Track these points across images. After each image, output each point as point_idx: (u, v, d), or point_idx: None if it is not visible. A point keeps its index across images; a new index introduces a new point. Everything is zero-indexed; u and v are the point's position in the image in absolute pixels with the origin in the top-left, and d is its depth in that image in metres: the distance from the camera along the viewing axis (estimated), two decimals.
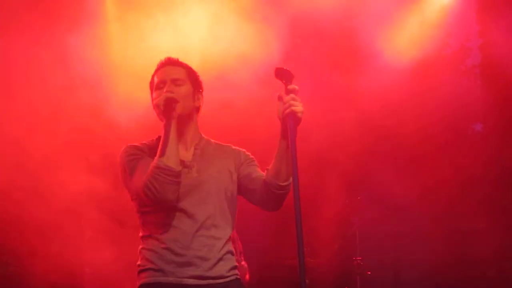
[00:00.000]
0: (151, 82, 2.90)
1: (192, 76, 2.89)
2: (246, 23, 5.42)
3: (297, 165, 2.58)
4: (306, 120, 2.63)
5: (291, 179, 2.70)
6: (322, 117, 5.65)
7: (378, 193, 6.04)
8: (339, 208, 5.70)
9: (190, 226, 2.71)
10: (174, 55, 2.93)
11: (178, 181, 2.67)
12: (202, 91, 2.91)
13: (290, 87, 2.60)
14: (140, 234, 2.81)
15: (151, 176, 2.63)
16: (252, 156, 2.95)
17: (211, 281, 2.69)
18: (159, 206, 2.70)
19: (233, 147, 2.97)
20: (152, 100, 2.84)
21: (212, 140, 2.92)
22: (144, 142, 2.89)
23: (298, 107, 2.58)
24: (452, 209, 6.30)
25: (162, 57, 2.92)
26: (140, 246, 2.80)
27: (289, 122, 2.58)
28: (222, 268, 2.75)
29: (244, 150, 2.98)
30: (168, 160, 2.65)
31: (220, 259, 2.74)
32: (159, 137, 2.81)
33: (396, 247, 6.09)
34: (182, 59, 2.93)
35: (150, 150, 2.81)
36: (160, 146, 2.69)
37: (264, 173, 2.79)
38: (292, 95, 2.59)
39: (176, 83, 2.83)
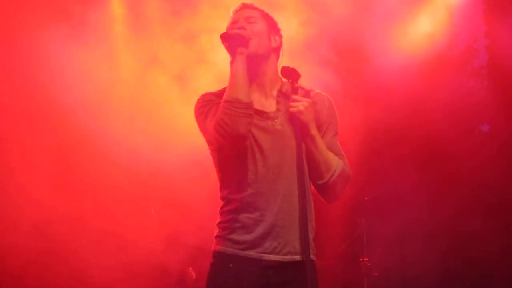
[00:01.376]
0: (228, 23, 2.83)
1: (267, 17, 2.83)
2: None
3: (304, 164, 2.59)
4: None
5: (329, 174, 2.68)
6: None
7: (385, 194, 6.01)
8: (345, 209, 5.68)
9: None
10: None
11: (249, 113, 2.58)
12: (280, 32, 2.84)
13: (297, 85, 2.65)
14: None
15: (221, 112, 2.56)
16: (336, 113, 2.84)
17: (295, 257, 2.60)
18: (235, 144, 2.61)
19: (320, 94, 2.83)
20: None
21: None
22: (218, 90, 2.81)
23: (293, 107, 2.63)
24: (459, 210, 6.28)
25: None
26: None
27: (295, 121, 2.63)
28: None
29: (329, 99, 2.86)
30: (236, 93, 2.57)
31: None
32: None
33: (403, 248, 6.06)
34: None
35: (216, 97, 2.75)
36: (228, 82, 2.62)
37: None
38: (294, 96, 2.64)
39: (249, 21, 2.77)
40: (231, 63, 2.63)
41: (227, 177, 2.71)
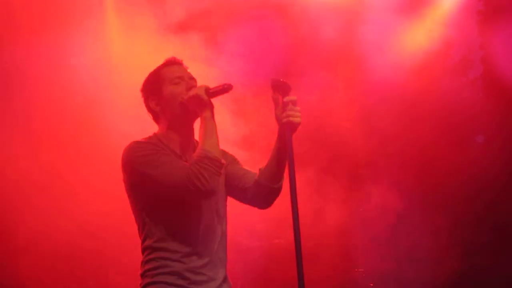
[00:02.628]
0: (155, 78, 2.82)
1: (195, 81, 2.86)
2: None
3: (295, 170, 2.60)
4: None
5: (282, 181, 2.78)
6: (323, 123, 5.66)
7: (380, 203, 6.02)
8: (340, 219, 5.69)
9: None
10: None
11: (221, 172, 2.63)
12: None
13: (287, 98, 2.62)
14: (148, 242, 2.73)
15: (200, 166, 2.54)
16: (232, 154, 2.97)
17: None
18: (202, 199, 2.65)
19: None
20: (172, 95, 2.74)
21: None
22: (143, 140, 2.77)
23: (296, 117, 2.62)
24: (454, 221, 6.28)
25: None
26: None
27: (287, 130, 2.61)
28: None
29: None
30: (216, 151, 2.60)
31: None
32: (156, 134, 2.79)
33: (399, 258, 6.06)
34: None
35: (161, 146, 2.72)
36: (203, 137, 2.63)
37: (250, 171, 2.85)
38: (290, 105, 2.62)
39: (192, 83, 2.80)
40: (206, 117, 2.65)
41: (158, 227, 2.69)
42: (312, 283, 2.66)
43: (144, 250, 2.73)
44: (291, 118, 2.60)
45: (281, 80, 2.63)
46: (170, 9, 5.47)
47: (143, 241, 2.73)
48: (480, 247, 6.11)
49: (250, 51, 5.68)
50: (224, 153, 2.91)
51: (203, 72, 3.04)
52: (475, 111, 6.59)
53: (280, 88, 2.63)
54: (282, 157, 2.73)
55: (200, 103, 2.67)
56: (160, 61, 2.90)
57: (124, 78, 5.14)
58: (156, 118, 2.86)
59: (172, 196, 2.63)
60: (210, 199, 2.70)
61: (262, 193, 2.82)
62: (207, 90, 2.67)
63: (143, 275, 2.71)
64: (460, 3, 6.40)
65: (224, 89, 2.66)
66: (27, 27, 5.21)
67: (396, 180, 6.31)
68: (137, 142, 2.73)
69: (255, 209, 2.94)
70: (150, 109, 2.84)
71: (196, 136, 2.80)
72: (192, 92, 2.69)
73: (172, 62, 2.85)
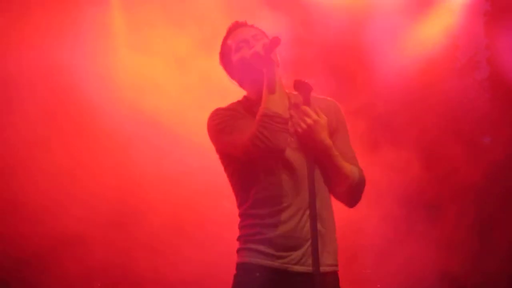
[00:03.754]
0: (225, 49, 2.83)
1: (265, 34, 2.84)
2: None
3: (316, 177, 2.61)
4: None
5: (347, 182, 2.72)
6: None
7: (387, 206, 6.00)
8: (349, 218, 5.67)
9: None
10: None
11: (288, 128, 2.57)
12: None
13: (302, 107, 2.65)
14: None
15: (259, 126, 2.50)
16: (344, 116, 2.89)
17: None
18: (270, 159, 2.60)
19: (325, 100, 2.88)
20: (239, 60, 2.74)
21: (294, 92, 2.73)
22: (226, 106, 2.80)
23: (300, 126, 2.65)
24: (460, 226, 6.27)
25: None
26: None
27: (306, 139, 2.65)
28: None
29: (335, 104, 2.90)
30: (276, 107, 2.54)
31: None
32: (245, 97, 2.78)
33: (405, 259, 6.05)
34: None
35: (241, 110, 2.75)
36: (264, 94, 2.57)
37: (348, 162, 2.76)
38: (301, 114, 2.65)
39: (257, 38, 2.76)
40: (268, 73, 2.61)
41: (249, 193, 2.68)
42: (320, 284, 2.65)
43: (239, 216, 2.74)
44: (296, 127, 2.65)
45: (303, 80, 2.65)
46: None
47: (239, 207, 2.75)
48: (484, 251, 6.10)
49: None
50: (332, 114, 2.81)
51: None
52: (482, 112, 6.59)
53: (302, 88, 2.66)
54: (327, 165, 2.70)
55: (260, 60, 2.63)
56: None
57: None
58: (240, 86, 2.88)
59: (246, 160, 2.62)
60: (297, 171, 2.64)
61: (336, 194, 2.79)
62: (264, 46, 2.62)
63: (238, 239, 2.73)
64: (467, 3, 6.40)
65: (273, 43, 2.61)
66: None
67: (402, 180, 6.30)
68: (216, 110, 2.77)
69: None
70: (232, 80, 2.88)
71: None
72: (252, 51, 2.67)
73: (233, 28, 2.85)
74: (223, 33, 2.91)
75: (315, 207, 2.60)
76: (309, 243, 2.59)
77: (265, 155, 2.56)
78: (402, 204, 6.04)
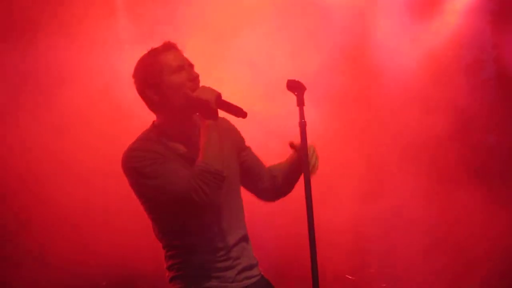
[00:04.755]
0: (156, 65, 2.66)
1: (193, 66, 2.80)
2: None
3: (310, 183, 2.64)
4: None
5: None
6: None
7: (391, 204, 6.00)
8: (352, 219, 5.69)
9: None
10: None
11: (222, 186, 2.58)
12: None
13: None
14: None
15: (200, 180, 2.49)
16: (242, 137, 2.99)
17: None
18: (203, 212, 2.63)
19: (225, 120, 2.90)
20: (177, 87, 2.63)
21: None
22: (141, 139, 2.72)
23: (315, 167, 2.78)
24: (467, 226, 6.26)
25: None
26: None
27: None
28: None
29: (228, 121, 2.93)
30: (218, 164, 2.54)
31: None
32: (155, 125, 2.72)
33: (410, 260, 6.05)
34: None
35: (158, 147, 2.65)
36: (205, 148, 2.56)
37: (263, 166, 2.94)
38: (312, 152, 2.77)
39: (193, 71, 2.72)
40: (209, 126, 2.59)
41: (174, 225, 2.70)
42: (324, 283, 2.68)
43: (164, 247, 2.76)
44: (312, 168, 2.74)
45: (296, 80, 2.65)
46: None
47: (160, 239, 2.76)
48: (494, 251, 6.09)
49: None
50: (235, 134, 2.92)
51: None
52: (487, 111, 6.57)
53: (295, 88, 2.65)
54: (298, 171, 2.82)
55: (207, 110, 2.59)
56: None
57: None
58: (153, 108, 2.76)
59: (174, 205, 2.59)
60: (220, 199, 2.67)
61: (276, 195, 2.96)
62: (218, 99, 2.59)
63: (169, 268, 2.75)
64: (473, 2, 6.38)
65: (237, 113, 2.61)
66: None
67: (409, 180, 6.30)
68: (135, 150, 2.65)
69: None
70: (146, 97, 2.72)
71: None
72: (202, 95, 2.60)
73: (168, 48, 2.71)
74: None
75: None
76: (240, 260, 2.74)
77: (197, 208, 2.57)
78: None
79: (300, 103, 2.63)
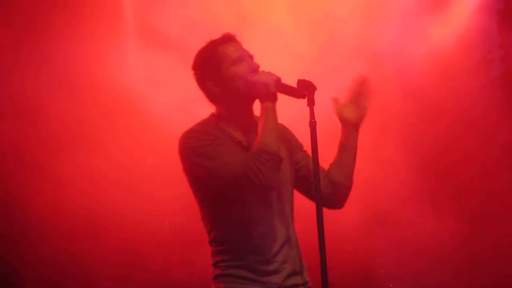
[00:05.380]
0: (216, 55, 2.69)
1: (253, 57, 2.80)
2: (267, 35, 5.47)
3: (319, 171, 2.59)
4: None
5: (353, 177, 2.81)
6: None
7: (398, 204, 5.99)
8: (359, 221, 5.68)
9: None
10: None
11: (280, 167, 2.56)
12: None
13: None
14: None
15: (257, 161, 2.47)
16: (300, 142, 2.93)
17: None
18: (259, 194, 2.60)
19: (284, 128, 2.89)
20: (237, 76, 2.65)
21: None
22: (199, 124, 2.72)
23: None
24: (475, 222, 6.24)
25: None
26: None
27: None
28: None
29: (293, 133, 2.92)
30: (275, 145, 2.53)
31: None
32: (214, 115, 2.72)
33: (417, 260, 6.04)
34: None
35: (216, 132, 2.66)
36: (263, 129, 2.54)
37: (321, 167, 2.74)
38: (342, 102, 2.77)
39: (254, 61, 2.73)
40: (270, 108, 2.58)
41: (223, 218, 2.67)
42: (332, 283, 2.68)
43: (212, 242, 2.71)
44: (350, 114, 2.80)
45: (307, 80, 2.64)
46: None
47: (209, 232, 2.71)
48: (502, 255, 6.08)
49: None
50: (292, 139, 2.88)
51: None
52: (494, 110, 6.56)
53: (306, 88, 2.64)
54: (351, 154, 2.80)
55: (266, 93, 2.58)
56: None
57: None
58: (213, 99, 2.77)
59: (228, 189, 2.57)
60: (270, 197, 2.64)
61: (337, 193, 2.80)
62: (277, 82, 2.59)
63: (215, 265, 2.70)
64: (480, 2, 6.38)
65: (297, 94, 2.62)
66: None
67: (414, 180, 6.29)
68: (192, 131, 2.67)
69: None
70: (206, 90, 2.74)
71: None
72: (261, 78, 2.60)
73: (227, 39, 2.72)
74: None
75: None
76: (287, 265, 2.65)
77: (253, 190, 2.55)
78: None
79: (311, 103, 2.62)
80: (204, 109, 2.82)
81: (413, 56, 6.28)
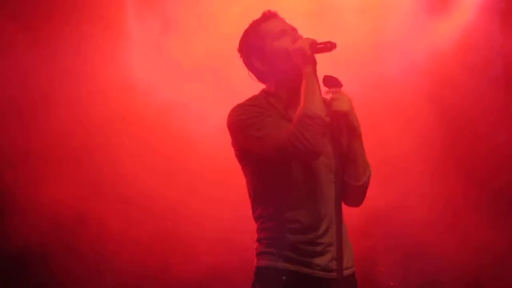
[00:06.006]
0: (259, 33, 2.72)
1: (297, 31, 2.81)
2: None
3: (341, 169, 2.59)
4: None
5: (366, 175, 2.69)
6: None
7: (399, 201, 6.00)
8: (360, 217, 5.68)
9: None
10: None
11: (325, 132, 2.53)
12: None
13: (332, 90, 2.61)
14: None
15: (300, 126, 2.44)
16: None
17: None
18: (307, 162, 2.54)
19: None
20: (278, 49, 2.65)
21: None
22: (248, 99, 2.74)
23: (340, 106, 2.60)
24: (477, 225, 6.24)
25: None
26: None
27: (336, 120, 2.60)
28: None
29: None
30: (318, 109, 2.49)
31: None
32: (264, 91, 2.71)
33: (419, 257, 6.04)
34: None
35: (265, 106, 2.66)
36: (304, 94, 2.51)
37: None
38: (332, 96, 2.60)
39: (296, 33, 2.74)
40: (309, 72, 2.55)
41: (270, 194, 2.63)
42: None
43: (257, 218, 2.67)
44: (336, 108, 2.59)
45: (333, 76, 2.65)
46: None
47: (255, 209, 2.68)
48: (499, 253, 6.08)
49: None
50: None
51: None
52: (495, 110, 6.56)
53: (332, 84, 2.64)
54: (353, 152, 2.68)
55: (303, 57, 2.57)
56: None
57: None
58: (261, 77, 2.78)
59: (277, 159, 2.54)
60: (319, 174, 2.60)
61: (348, 192, 2.72)
62: (312, 44, 2.58)
63: (259, 242, 2.66)
64: (481, 2, 6.38)
65: (327, 47, 2.60)
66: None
67: (417, 179, 6.30)
68: (240, 105, 2.67)
69: None
70: (254, 69, 2.76)
71: None
72: (297, 44, 2.61)
73: (269, 16, 2.75)
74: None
75: (341, 213, 2.57)
76: (332, 248, 2.55)
77: (301, 157, 2.51)
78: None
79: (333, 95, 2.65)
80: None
81: (413, 56, 6.29)
